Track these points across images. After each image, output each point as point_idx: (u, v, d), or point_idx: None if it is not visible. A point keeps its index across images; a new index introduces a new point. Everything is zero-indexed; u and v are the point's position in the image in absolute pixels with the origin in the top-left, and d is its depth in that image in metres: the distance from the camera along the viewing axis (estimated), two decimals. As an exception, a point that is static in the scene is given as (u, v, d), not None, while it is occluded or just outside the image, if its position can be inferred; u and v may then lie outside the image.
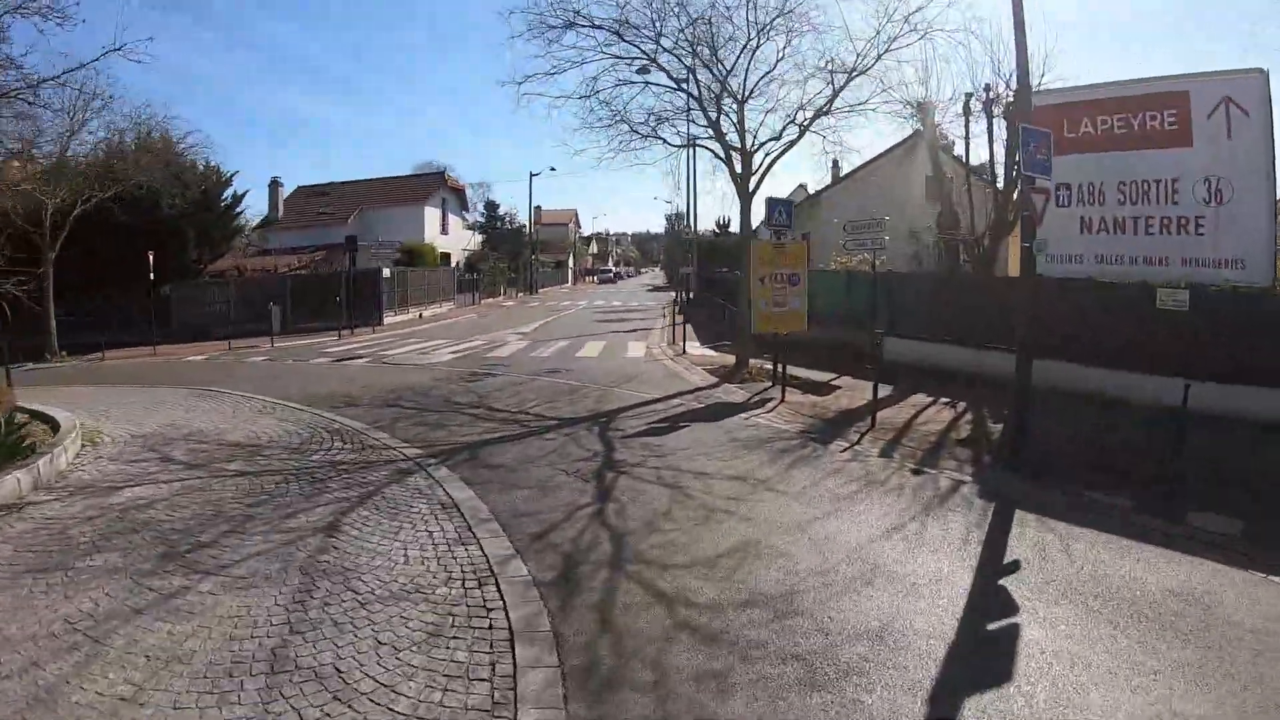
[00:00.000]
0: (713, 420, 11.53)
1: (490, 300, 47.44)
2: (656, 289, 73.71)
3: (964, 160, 19.97)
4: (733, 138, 16.03)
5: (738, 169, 15.98)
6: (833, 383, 14.73)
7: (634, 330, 26.85)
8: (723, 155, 16.12)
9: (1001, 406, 10.79)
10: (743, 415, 11.84)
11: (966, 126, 18.76)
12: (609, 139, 16.22)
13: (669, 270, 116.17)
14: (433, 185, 48.09)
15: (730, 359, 17.41)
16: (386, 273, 30.78)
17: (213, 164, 32.74)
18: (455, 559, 5.86)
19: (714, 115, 15.85)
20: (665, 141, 16.76)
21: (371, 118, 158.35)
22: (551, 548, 6.24)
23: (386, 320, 30.72)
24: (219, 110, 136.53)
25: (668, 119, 16.47)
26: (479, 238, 53.37)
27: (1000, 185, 17.30)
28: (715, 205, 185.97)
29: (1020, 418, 8.86)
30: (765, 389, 13.99)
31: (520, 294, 56.02)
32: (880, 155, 30.31)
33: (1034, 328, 9.31)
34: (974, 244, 17.75)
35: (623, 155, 16.48)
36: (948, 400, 12.64)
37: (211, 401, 13.27)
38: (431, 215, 47.03)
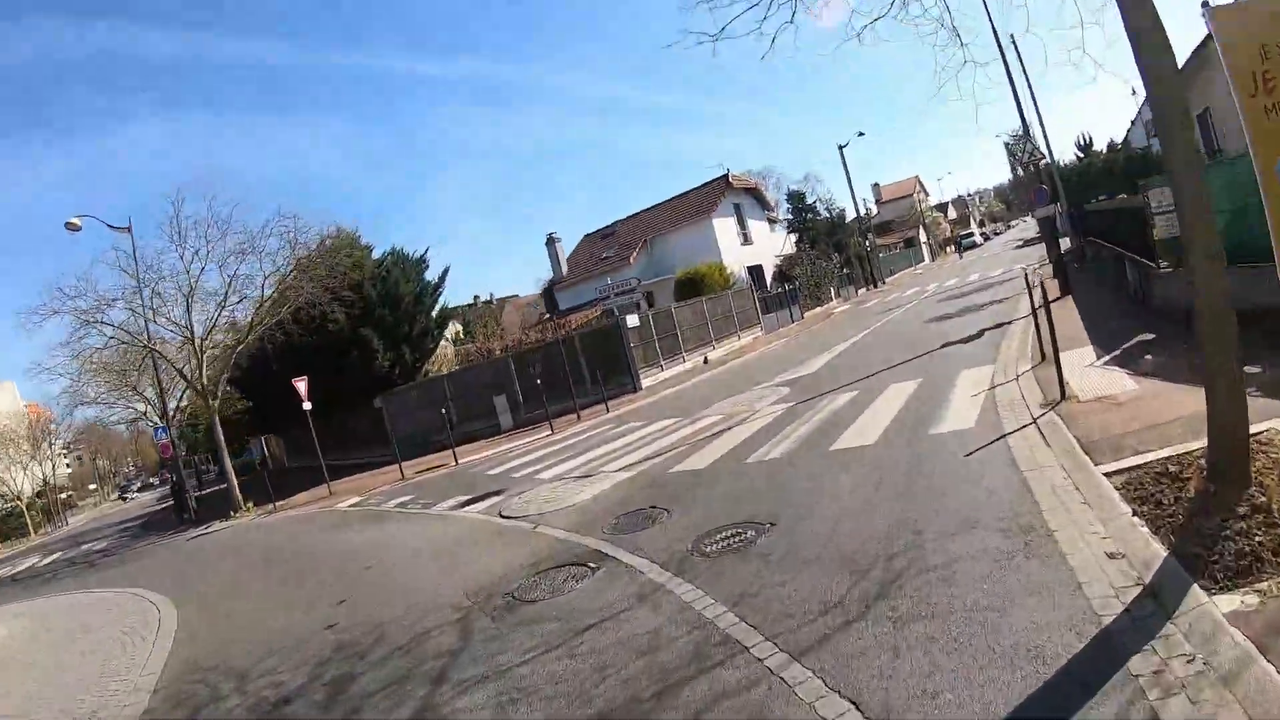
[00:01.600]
0: None
1: (816, 310, 37.04)
2: (1026, 243, 57.40)
3: None
4: None
5: None
6: None
7: (980, 334, 15.18)
8: None
9: None
10: None
11: None
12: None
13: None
14: (716, 192, 39.34)
15: (1186, 411, 6.53)
16: (633, 321, 22.22)
17: (402, 249, 28.73)
18: None
19: None
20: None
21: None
22: None
23: (647, 381, 22.16)
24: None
25: None
26: (794, 238, 43.18)
27: None
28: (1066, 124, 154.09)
29: None
30: None
31: (860, 290, 44.72)
32: None
33: None
34: None
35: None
36: None
37: None
38: (724, 227, 38.39)
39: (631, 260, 38.90)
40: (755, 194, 41.86)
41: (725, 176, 39.97)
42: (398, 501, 14.45)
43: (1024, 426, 7.64)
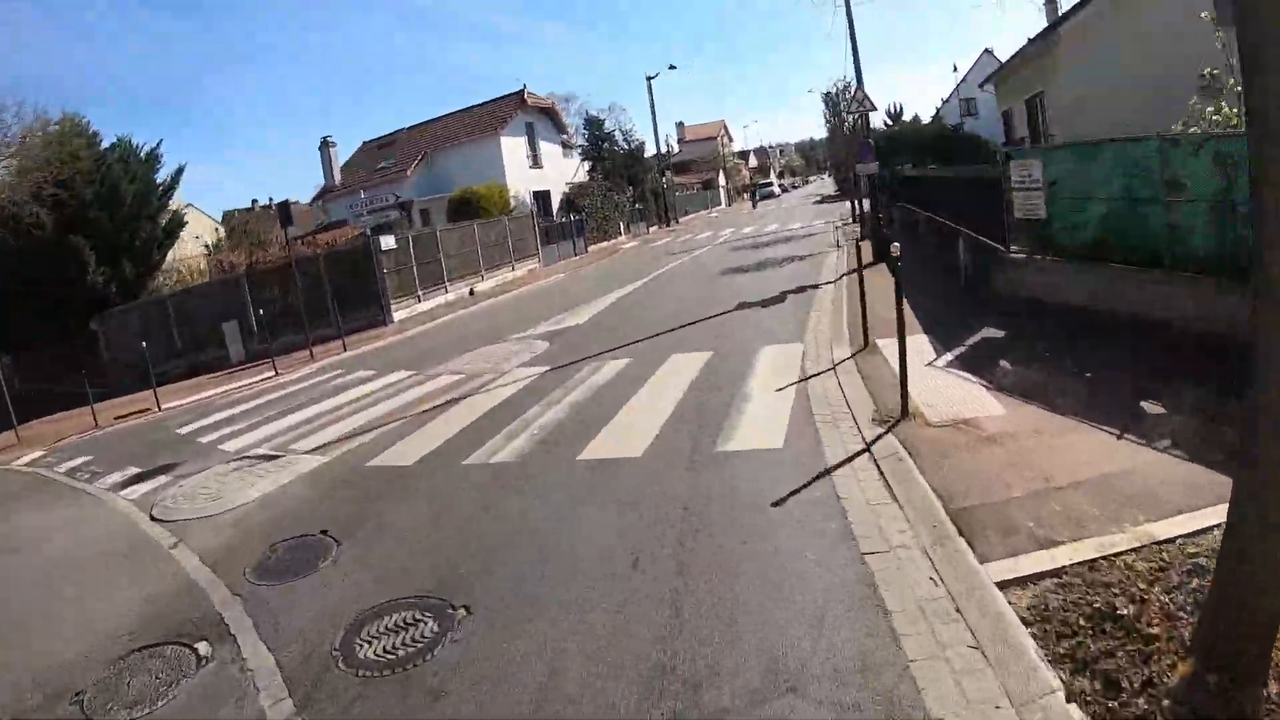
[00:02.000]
0: None
1: (603, 245, 35.77)
2: (825, 199, 59.35)
3: None
4: None
5: None
6: None
7: (782, 298, 14.30)
8: None
9: None
10: None
11: None
12: None
13: (839, 175, 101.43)
14: (508, 109, 36.58)
15: (1090, 468, 5.03)
16: (388, 243, 19.65)
17: (129, 140, 24.55)
18: None
19: None
20: None
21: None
22: None
23: (400, 314, 19.82)
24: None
25: None
26: (587, 166, 41.33)
27: None
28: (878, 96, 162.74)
29: None
30: None
31: (652, 228, 43.94)
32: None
33: None
34: None
35: None
36: None
37: None
38: (512, 147, 35.81)
39: (409, 174, 35.65)
40: (551, 115, 39.47)
41: (520, 93, 37.30)
42: (72, 465, 11.09)
43: (855, 455, 5.79)
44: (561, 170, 39.73)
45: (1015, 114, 26.44)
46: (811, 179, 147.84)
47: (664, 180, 45.53)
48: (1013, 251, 10.32)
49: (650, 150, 47.73)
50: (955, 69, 46.31)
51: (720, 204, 71.91)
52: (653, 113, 46.83)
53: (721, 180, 75.59)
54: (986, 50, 52.65)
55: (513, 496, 6.19)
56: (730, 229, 36.16)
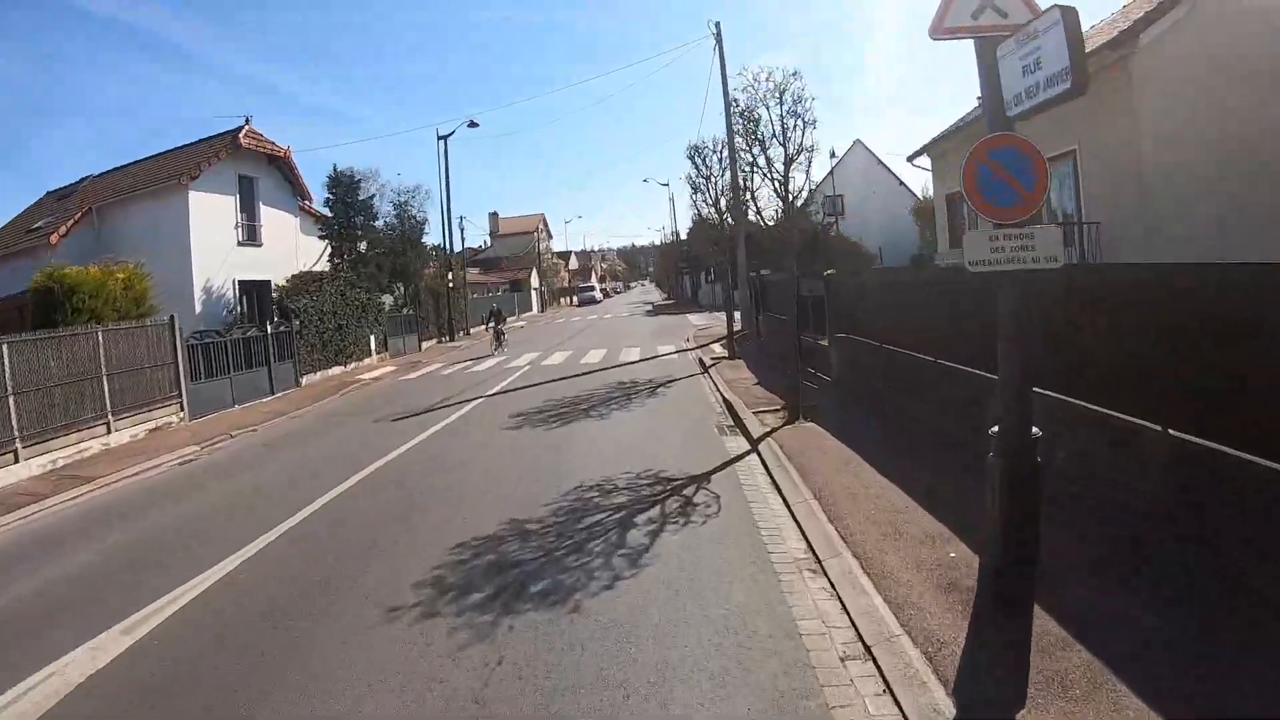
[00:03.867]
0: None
1: (332, 373, 23.00)
2: (656, 309, 49.95)
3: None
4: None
5: None
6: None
7: None
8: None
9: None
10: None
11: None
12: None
13: (665, 284, 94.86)
14: (210, 151, 23.74)
15: None
16: None
17: None
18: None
19: None
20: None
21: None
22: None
23: None
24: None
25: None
26: (328, 248, 28.43)
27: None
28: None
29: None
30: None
31: (428, 343, 31.61)
32: None
33: None
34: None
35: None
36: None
37: None
38: (210, 209, 23.02)
39: (57, 238, 21.97)
40: (286, 170, 26.75)
41: (236, 131, 24.62)
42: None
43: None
44: (295, 252, 26.83)
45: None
46: (634, 285, 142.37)
47: (449, 277, 33.34)
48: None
49: (438, 234, 35.89)
50: (834, 155, 38.75)
51: (531, 309, 60.67)
52: (446, 184, 35.22)
53: (534, 281, 64.62)
54: (857, 140, 46.26)
55: None
56: (533, 351, 24.65)
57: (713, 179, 17.12)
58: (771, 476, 7.91)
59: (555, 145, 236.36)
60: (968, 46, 4.66)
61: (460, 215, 45.58)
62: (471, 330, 37.77)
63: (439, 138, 34.31)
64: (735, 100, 16.83)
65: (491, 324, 27.52)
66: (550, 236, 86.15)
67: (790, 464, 8.11)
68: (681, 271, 64.87)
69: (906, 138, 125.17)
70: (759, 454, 8.84)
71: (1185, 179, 11.14)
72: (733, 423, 11.05)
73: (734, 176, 18.42)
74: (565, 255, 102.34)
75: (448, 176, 35.53)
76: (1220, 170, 11.08)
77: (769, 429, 9.90)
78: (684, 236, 62.47)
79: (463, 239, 44.83)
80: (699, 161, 17.14)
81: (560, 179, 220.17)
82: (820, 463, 8.03)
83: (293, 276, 23.62)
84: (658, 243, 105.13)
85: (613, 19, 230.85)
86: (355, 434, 12.90)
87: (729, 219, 20.36)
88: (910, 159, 21.32)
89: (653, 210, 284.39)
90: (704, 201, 17.26)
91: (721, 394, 13.30)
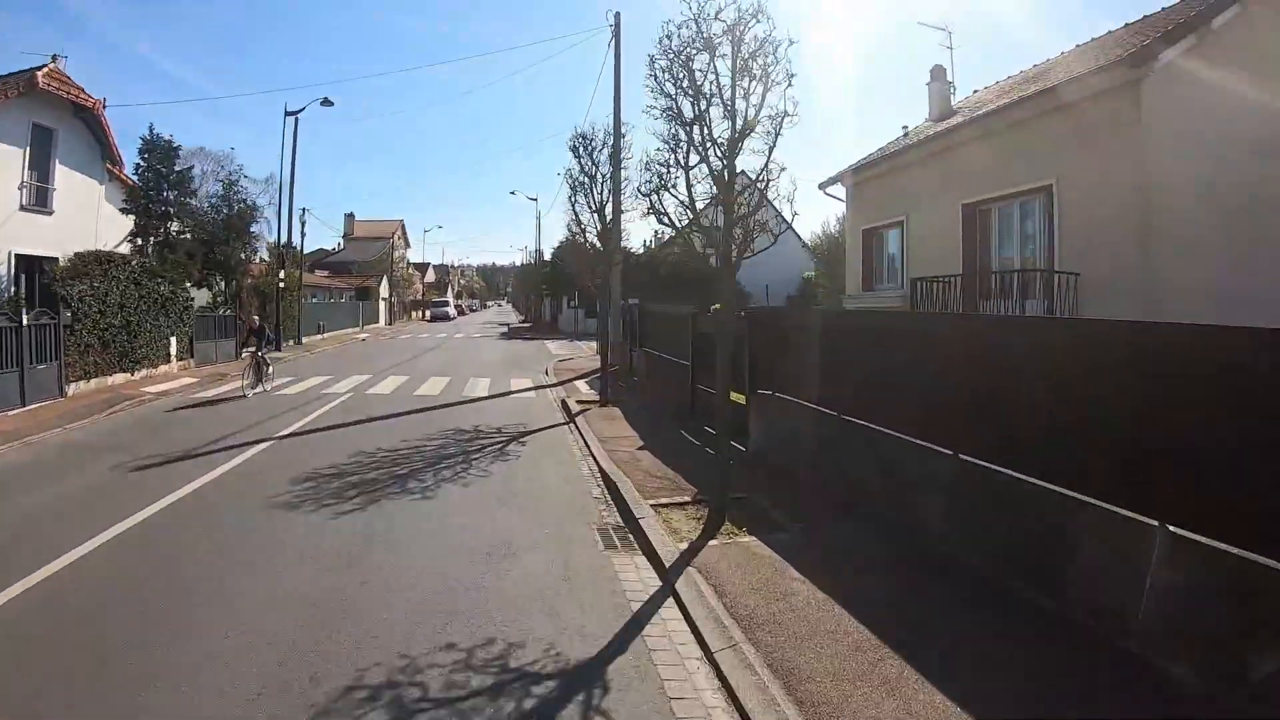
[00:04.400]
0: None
1: (117, 381, 18.70)
2: (512, 332, 47.12)
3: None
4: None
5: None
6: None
7: None
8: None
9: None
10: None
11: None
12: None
13: (521, 305, 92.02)
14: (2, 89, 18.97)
15: None
16: None
17: None
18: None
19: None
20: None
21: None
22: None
23: None
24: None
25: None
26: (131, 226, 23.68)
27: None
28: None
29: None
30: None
31: (247, 351, 27.30)
32: None
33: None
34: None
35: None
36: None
37: None
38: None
39: None
40: (96, 126, 22.02)
41: (40, 68, 19.88)
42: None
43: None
44: (102, 228, 22.14)
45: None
46: (490, 304, 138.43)
47: (280, 277, 29.06)
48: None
49: (273, 227, 31.61)
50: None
51: (379, 320, 56.01)
52: (292, 167, 31.00)
53: (384, 291, 59.96)
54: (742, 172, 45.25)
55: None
56: (362, 374, 21.14)
57: (599, 179, 14.62)
58: (731, 692, 4.13)
59: (420, 147, 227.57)
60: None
61: (304, 208, 40.57)
62: (304, 339, 33.42)
63: (287, 113, 30.15)
64: (669, 34, 14.64)
65: (251, 348, 18.35)
66: (409, 245, 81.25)
67: (754, 653, 4.47)
68: (543, 294, 62.12)
69: (799, 165, 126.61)
70: (683, 609, 5.25)
71: (1197, 224, 9.64)
72: (622, 522, 7.60)
73: (616, 197, 16.15)
74: (422, 267, 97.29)
75: (294, 158, 31.28)
76: (1235, 216, 9.69)
77: (684, 543, 6.47)
78: (548, 257, 59.93)
79: (303, 234, 40.09)
80: (584, 154, 14.56)
81: (423, 186, 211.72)
82: (812, 649, 4.49)
83: (76, 255, 19.11)
84: (519, 263, 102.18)
85: (505, 21, 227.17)
86: (67, 489, 8.83)
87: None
88: (823, 186, 19.72)
89: (515, 230, 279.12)
90: (587, 205, 14.63)
91: (597, 462, 10.09)
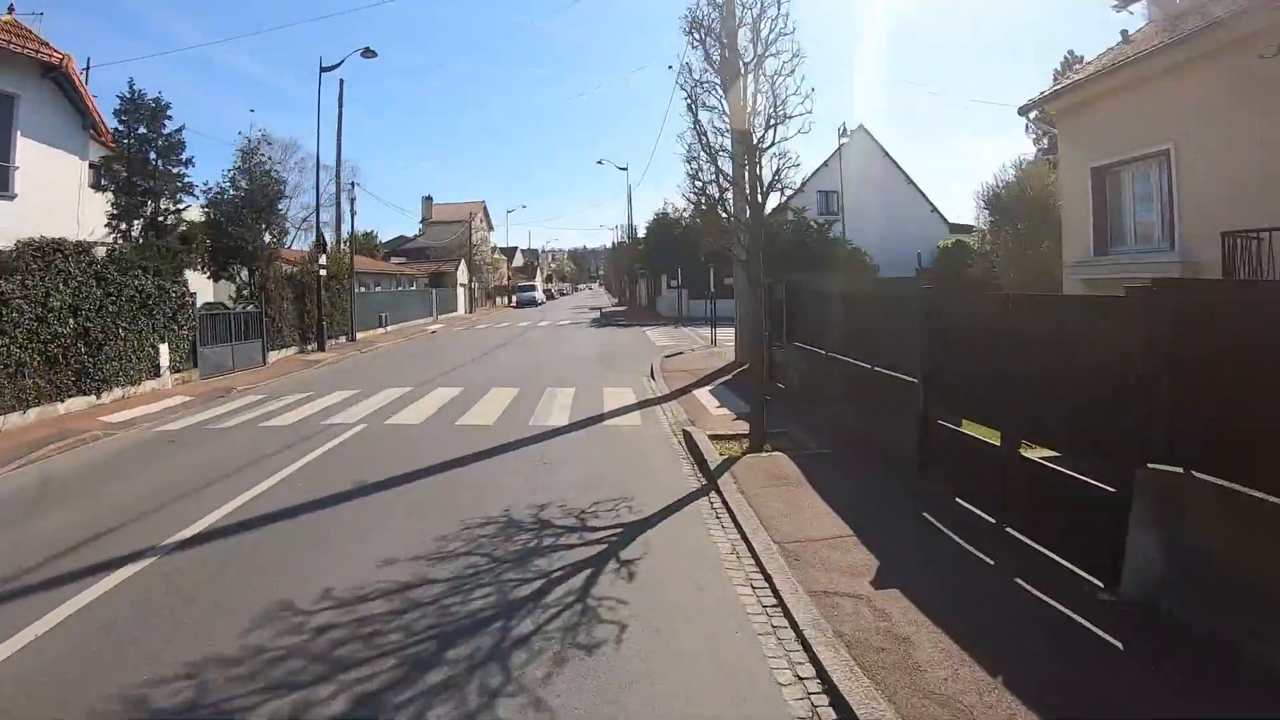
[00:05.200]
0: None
1: (75, 408, 13.94)
2: (605, 318, 41.80)
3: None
4: None
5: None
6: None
7: None
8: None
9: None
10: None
11: None
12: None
13: (614, 287, 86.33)
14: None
15: None
16: None
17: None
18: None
19: None
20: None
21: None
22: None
23: None
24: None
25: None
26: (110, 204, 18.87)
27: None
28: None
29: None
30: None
31: (292, 350, 22.61)
32: None
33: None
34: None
35: None
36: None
37: None
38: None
39: None
40: (69, 88, 17.36)
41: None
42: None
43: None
44: (85, 212, 17.53)
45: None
46: (581, 287, 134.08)
47: (321, 264, 24.10)
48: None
49: (309, 205, 26.93)
50: (845, 131, 31.62)
51: (456, 308, 51.41)
52: (338, 141, 26.19)
53: (463, 277, 55.33)
54: (861, 126, 39.03)
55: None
56: (400, 386, 15.67)
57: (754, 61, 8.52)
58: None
59: (505, 128, 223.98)
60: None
61: (353, 182, 35.61)
62: (359, 335, 28.66)
63: (323, 69, 25.11)
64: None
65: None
66: (491, 227, 76.98)
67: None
68: (637, 274, 56.42)
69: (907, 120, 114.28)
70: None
71: None
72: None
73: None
74: (509, 251, 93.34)
75: (339, 125, 26.45)
76: None
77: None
78: (641, 234, 54.16)
79: (353, 212, 35.62)
80: (710, 37, 8.42)
81: (506, 168, 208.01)
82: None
83: (20, 243, 14.43)
84: (609, 245, 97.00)
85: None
86: None
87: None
88: (1023, 111, 13.21)
89: (603, 209, 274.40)
90: (712, 126, 8.54)
91: (816, 660, 4.14)
